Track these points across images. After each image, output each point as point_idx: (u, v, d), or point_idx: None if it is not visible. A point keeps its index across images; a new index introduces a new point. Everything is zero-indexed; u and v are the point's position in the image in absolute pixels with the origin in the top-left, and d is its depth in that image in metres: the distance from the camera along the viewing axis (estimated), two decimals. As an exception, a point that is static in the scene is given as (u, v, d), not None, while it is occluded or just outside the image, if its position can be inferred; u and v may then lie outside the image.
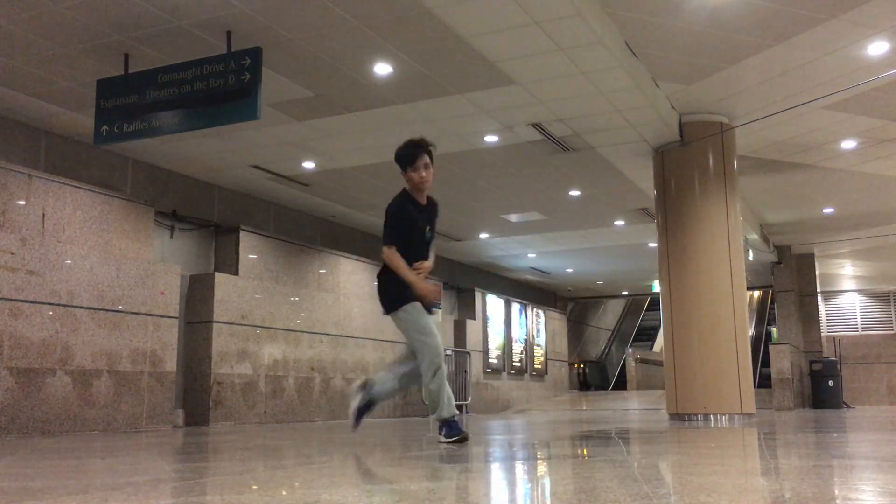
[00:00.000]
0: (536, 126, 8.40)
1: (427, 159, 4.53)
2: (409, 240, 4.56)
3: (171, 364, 8.47)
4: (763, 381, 15.17)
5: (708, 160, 8.81)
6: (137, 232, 8.47)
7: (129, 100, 6.62)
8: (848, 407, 15.73)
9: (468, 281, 16.45)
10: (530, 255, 16.32)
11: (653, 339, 24.90)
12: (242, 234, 10.08)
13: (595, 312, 25.61)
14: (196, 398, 9.18)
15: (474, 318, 15.38)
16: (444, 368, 4.46)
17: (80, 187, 7.92)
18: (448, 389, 4.44)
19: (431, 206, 4.72)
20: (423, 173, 4.53)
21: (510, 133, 8.63)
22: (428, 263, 4.59)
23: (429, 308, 4.52)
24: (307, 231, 12.00)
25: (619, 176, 10.37)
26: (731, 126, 8.79)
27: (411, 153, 4.53)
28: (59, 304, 7.37)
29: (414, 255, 4.54)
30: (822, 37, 6.80)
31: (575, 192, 11.33)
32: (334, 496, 2.29)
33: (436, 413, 4.43)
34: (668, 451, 4.33)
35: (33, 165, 7.89)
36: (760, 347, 18.19)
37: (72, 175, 8.14)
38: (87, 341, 7.58)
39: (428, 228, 4.64)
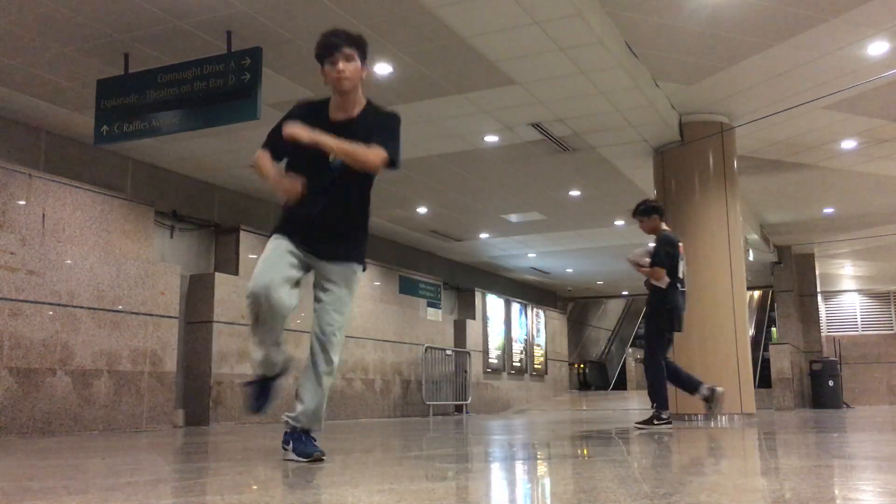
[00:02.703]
0: (536, 126, 8.40)
1: (348, 51, 3.39)
2: (300, 162, 3.47)
3: (171, 364, 8.46)
4: (763, 381, 15.17)
5: (708, 160, 8.81)
6: (137, 232, 8.46)
7: (129, 100, 6.62)
8: (848, 407, 15.73)
9: (468, 281, 16.45)
10: (530, 255, 16.32)
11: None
12: (242, 234, 10.08)
13: (595, 312, 25.61)
14: (196, 398, 9.18)
15: (474, 318, 15.38)
16: (260, 317, 3.45)
17: (80, 187, 7.92)
18: (267, 352, 3.70)
19: (363, 120, 3.47)
20: (340, 67, 3.38)
21: (510, 133, 8.63)
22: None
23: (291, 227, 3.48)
24: (307, 231, 11.98)
25: (619, 176, 10.37)
26: (731, 126, 8.79)
27: (322, 44, 3.45)
28: (59, 304, 7.37)
29: (313, 182, 3.41)
30: (822, 37, 6.80)
31: (575, 192, 11.33)
32: (334, 496, 2.29)
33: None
34: (668, 451, 4.33)
35: (33, 165, 7.89)
36: (760, 347, 18.19)
37: (72, 175, 8.14)
38: (87, 341, 7.58)
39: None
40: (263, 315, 3.43)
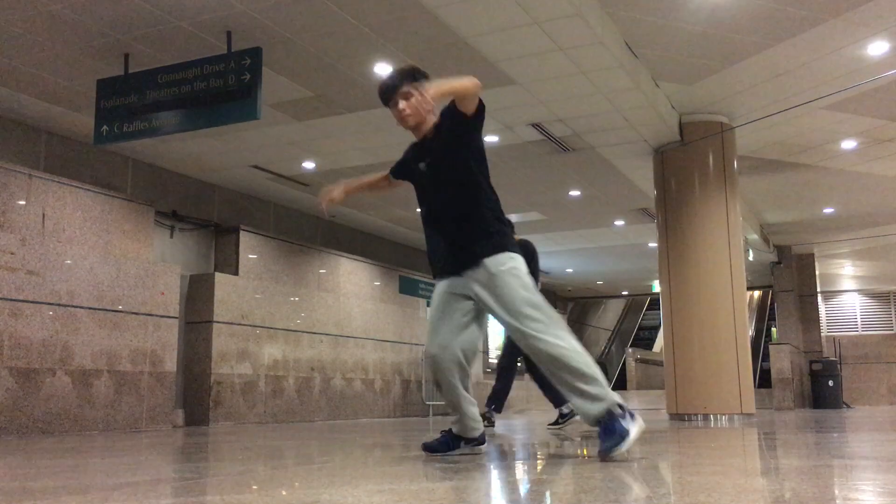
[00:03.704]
0: (536, 126, 8.40)
1: (404, 89, 3.62)
2: (416, 189, 3.80)
3: (171, 364, 8.47)
4: (763, 381, 15.17)
5: (708, 160, 8.81)
6: (137, 232, 8.46)
7: (129, 100, 6.62)
8: (848, 407, 15.73)
9: (468, 281, 16.42)
10: (530, 255, 16.31)
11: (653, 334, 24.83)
12: (242, 234, 10.08)
13: (595, 312, 25.60)
14: (196, 398, 9.18)
15: (474, 318, 15.35)
16: (436, 368, 3.77)
17: (80, 187, 7.92)
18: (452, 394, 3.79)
19: (437, 130, 3.66)
20: (400, 107, 3.62)
21: (510, 133, 8.63)
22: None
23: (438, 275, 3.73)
24: (307, 231, 12.00)
25: (619, 176, 10.37)
26: (731, 126, 8.79)
27: (379, 91, 3.73)
28: (59, 304, 7.37)
29: (426, 204, 3.74)
30: (822, 37, 6.80)
31: (575, 192, 11.33)
32: (334, 496, 2.29)
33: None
34: (668, 451, 4.33)
35: (33, 165, 7.89)
36: (760, 347, 18.19)
37: (72, 175, 8.14)
38: (87, 341, 7.58)
39: (423, 166, 3.69)
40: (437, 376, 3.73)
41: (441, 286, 3.67)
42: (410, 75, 3.67)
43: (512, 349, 7.04)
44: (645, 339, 25.75)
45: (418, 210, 3.84)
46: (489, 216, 3.57)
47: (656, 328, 23.71)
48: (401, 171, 3.91)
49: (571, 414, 6.79)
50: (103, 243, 8.04)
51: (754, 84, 7.84)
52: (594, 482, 2.60)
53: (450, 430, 3.90)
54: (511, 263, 3.47)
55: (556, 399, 6.84)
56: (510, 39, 6.36)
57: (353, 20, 6.09)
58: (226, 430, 7.77)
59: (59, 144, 8.33)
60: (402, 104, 3.60)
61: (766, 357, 15.93)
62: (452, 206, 3.60)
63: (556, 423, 6.98)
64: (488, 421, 6.76)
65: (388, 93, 3.65)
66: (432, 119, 3.69)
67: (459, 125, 3.55)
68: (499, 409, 7.04)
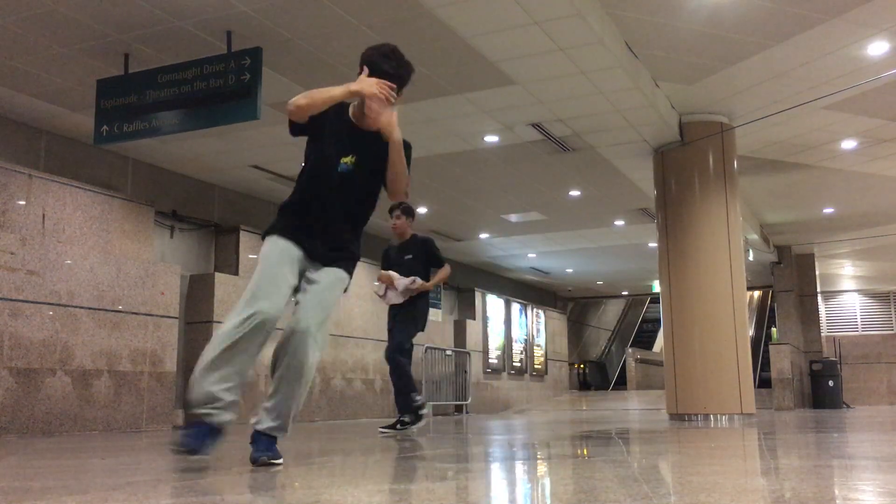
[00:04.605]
0: (536, 126, 8.40)
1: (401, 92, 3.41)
2: (319, 155, 3.45)
3: (171, 364, 8.46)
4: (763, 382, 15.16)
5: (708, 160, 8.81)
6: (137, 232, 8.46)
7: (129, 100, 6.62)
8: (848, 407, 15.73)
9: (468, 281, 16.44)
10: (530, 255, 16.32)
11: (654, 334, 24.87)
12: (242, 234, 10.08)
13: (595, 312, 25.61)
14: (196, 398, 9.17)
15: (474, 318, 15.37)
16: (233, 333, 3.42)
17: (80, 187, 7.92)
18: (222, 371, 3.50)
19: (379, 140, 3.40)
20: (392, 100, 3.34)
21: (510, 133, 8.63)
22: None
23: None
24: (307, 231, 11.98)
25: (619, 176, 10.37)
26: (731, 126, 8.79)
27: (401, 72, 3.43)
28: (59, 304, 7.37)
29: (320, 184, 3.45)
30: (822, 37, 6.80)
31: (575, 192, 11.33)
32: (334, 496, 2.29)
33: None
34: (668, 451, 4.33)
35: (33, 165, 7.89)
36: (760, 347, 18.18)
37: (72, 175, 8.14)
38: (87, 341, 7.58)
39: (351, 159, 3.43)
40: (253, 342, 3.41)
41: (286, 245, 3.54)
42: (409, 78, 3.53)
43: (393, 360, 6.50)
44: (648, 332, 25.75)
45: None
46: (359, 234, 3.72)
47: (660, 321, 23.71)
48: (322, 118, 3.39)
49: (409, 424, 6.15)
50: (103, 243, 8.04)
51: (754, 84, 7.84)
52: (594, 482, 2.60)
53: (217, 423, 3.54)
54: (347, 282, 3.60)
55: (404, 405, 6.25)
56: (510, 39, 6.36)
57: (354, 20, 6.09)
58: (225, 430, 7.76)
59: (59, 144, 8.33)
60: (391, 99, 3.34)
61: (765, 367, 15.79)
62: (353, 202, 3.60)
63: (392, 426, 6.25)
64: (416, 415, 6.18)
65: (399, 81, 3.39)
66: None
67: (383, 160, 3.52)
68: (416, 390, 6.50)
